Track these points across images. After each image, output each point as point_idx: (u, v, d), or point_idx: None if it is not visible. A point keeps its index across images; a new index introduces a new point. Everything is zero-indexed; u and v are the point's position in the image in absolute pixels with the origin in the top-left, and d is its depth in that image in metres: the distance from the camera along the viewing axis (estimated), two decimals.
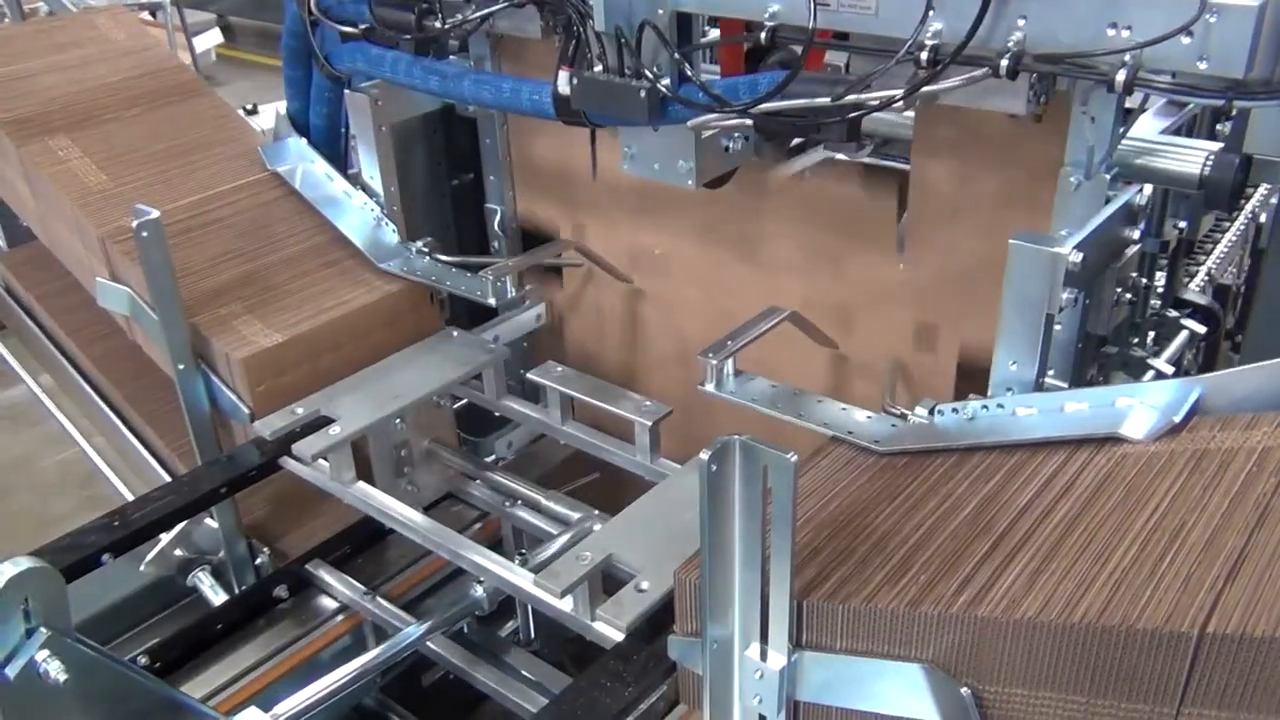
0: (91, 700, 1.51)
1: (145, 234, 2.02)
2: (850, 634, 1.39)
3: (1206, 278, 3.17)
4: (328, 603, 2.29)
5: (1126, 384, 1.80)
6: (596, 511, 2.16)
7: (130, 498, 2.66)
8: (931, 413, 1.73)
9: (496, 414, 2.49)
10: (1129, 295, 2.26)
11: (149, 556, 2.31)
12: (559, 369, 2.32)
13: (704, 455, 1.26)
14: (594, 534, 1.95)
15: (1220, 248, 3.48)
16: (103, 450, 3.12)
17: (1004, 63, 1.50)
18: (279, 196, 2.41)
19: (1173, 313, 2.49)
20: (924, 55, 1.54)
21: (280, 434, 2.13)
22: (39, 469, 4.47)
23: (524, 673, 2.24)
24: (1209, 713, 1.19)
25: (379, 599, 2.24)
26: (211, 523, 2.30)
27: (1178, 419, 1.51)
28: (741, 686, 1.45)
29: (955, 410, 1.71)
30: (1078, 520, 1.44)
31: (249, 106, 3.31)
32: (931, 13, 1.53)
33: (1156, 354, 2.34)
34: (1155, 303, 2.41)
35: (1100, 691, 1.25)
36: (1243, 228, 3.65)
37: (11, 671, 1.41)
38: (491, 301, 2.30)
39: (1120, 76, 1.43)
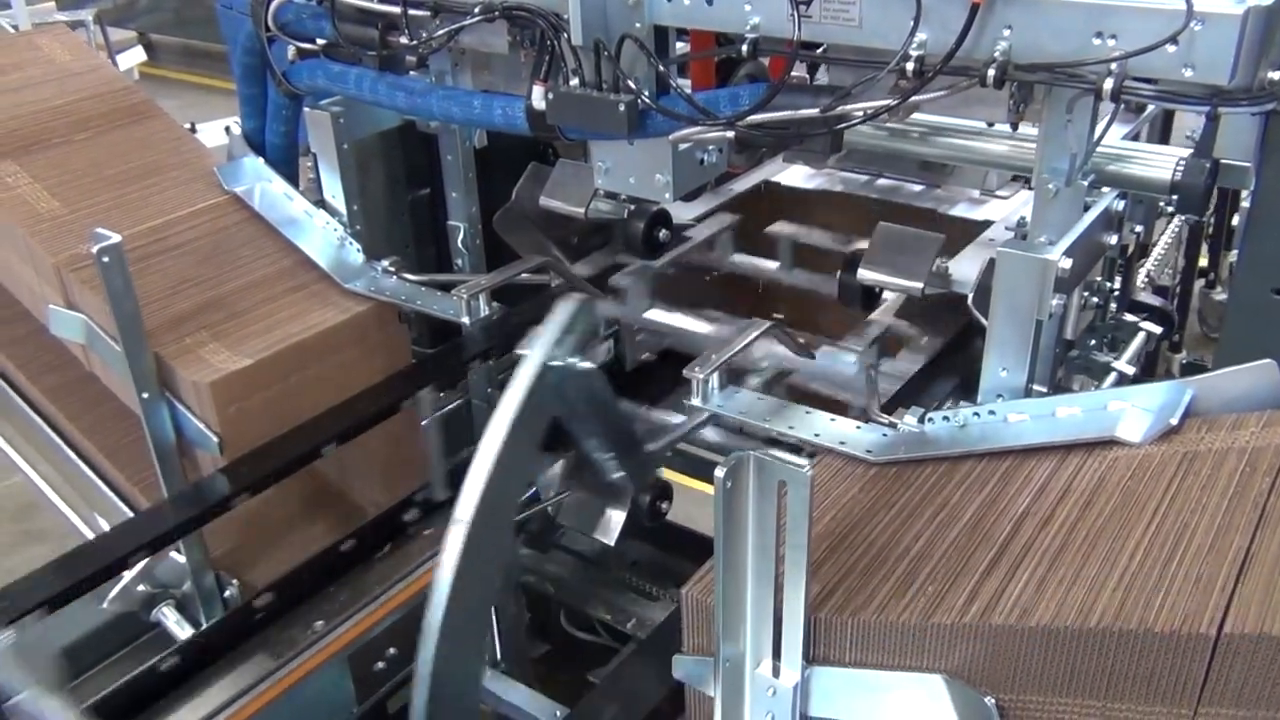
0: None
1: (106, 259, 1.95)
2: (862, 647, 1.38)
3: (1147, 279, 3.25)
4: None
5: (1116, 388, 1.82)
6: None
7: (85, 531, 2.57)
8: (922, 420, 1.74)
9: None
10: (1095, 299, 2.30)
11: (111, 593, 2.23)
12: None
13: (719, 473, 1.25)
14: None
15: (1157, 250, 3.57)
16: (49, 480, 3.00)
17: (990, 72, 1.51)
18: (241, 220, 2.34)
19: (1130, 316, 2.54)
20: (909, 66, 1.55)
21: None
22: None
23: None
24: (1226, 711, 1.21)
25: None
26: (178, 556, 2.23)
27: (1174, 421, 1.53)
28: (753, 705, 1.43)
29: (947, 418, 1.71)
30: (1078, 525, 1.45)
31: (188, 126, 3.21)
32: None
33: (1116, 357, 2.38)
34: (1113, 306, 2.45)
35: (1117, 695, 1.25)
36: (1176, 230, 3.75)
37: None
38: (465, 321, 2.26)
39: (1108, 85, 1.44)
